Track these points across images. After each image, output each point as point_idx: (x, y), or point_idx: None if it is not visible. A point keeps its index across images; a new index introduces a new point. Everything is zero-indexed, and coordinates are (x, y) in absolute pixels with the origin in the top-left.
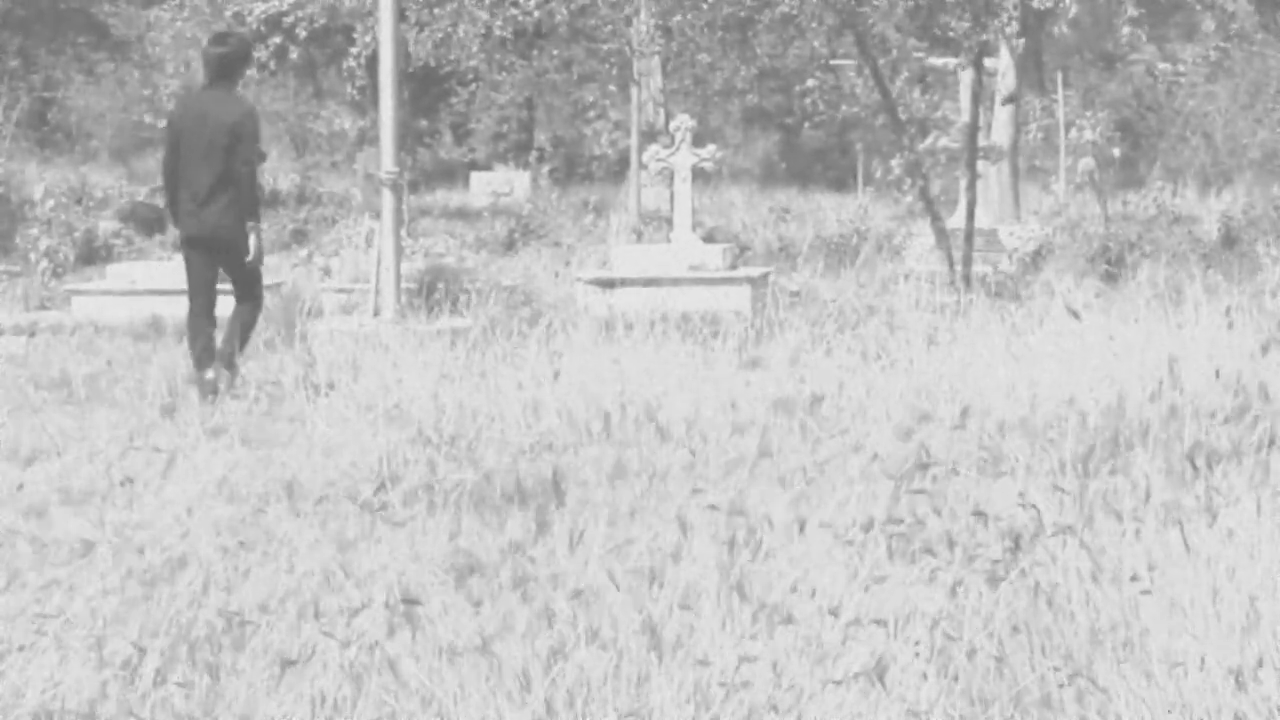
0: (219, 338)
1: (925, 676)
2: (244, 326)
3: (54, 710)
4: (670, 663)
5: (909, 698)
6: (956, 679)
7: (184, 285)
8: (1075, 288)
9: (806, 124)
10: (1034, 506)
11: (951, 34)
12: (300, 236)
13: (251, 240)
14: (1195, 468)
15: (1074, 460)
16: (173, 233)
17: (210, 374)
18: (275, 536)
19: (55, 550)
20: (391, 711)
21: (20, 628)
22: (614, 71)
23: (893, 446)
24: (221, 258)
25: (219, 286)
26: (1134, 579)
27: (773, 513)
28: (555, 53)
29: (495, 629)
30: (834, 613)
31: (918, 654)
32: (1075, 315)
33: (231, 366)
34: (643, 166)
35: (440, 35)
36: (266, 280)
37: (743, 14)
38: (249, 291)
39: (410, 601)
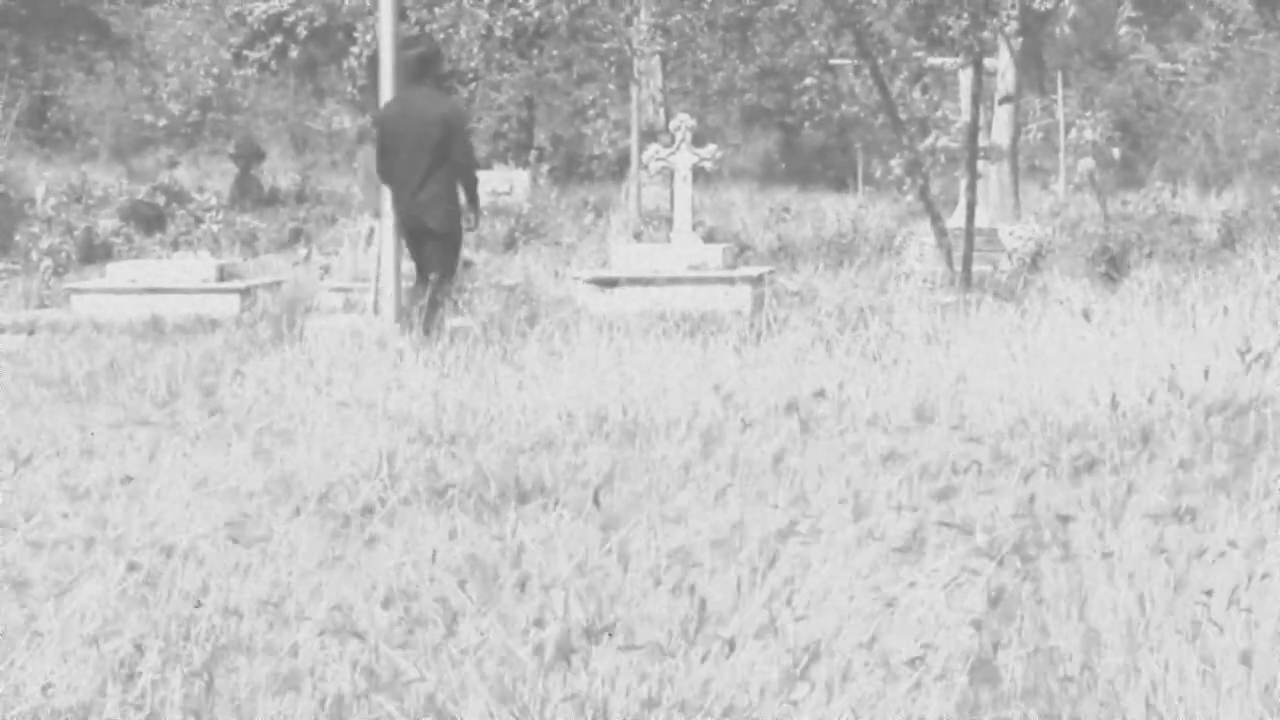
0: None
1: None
2: (435, 305)
3: (52, 709)
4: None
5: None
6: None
7: (182, 284)
8: (1074, 286)
9: (806, 123)
10: (1055, 512)
11: (950, 33)
12: (300, 235)
13: (469, 216)
14: (1187, 469)
15: (1072, 461)
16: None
17: (423, 332)
18: (275, 535)
19: (53, 548)
20: (393, 712)
21: (18, 626)
22: (613, 71)
23: (892, 447)
24: (427, 237)
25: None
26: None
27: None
28: (555, 52)
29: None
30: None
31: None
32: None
33: (427, 330)
34: (643, 166)
35: (441, 35)
36: (266, 278)
37: (742, 13)
38: (446, 271)
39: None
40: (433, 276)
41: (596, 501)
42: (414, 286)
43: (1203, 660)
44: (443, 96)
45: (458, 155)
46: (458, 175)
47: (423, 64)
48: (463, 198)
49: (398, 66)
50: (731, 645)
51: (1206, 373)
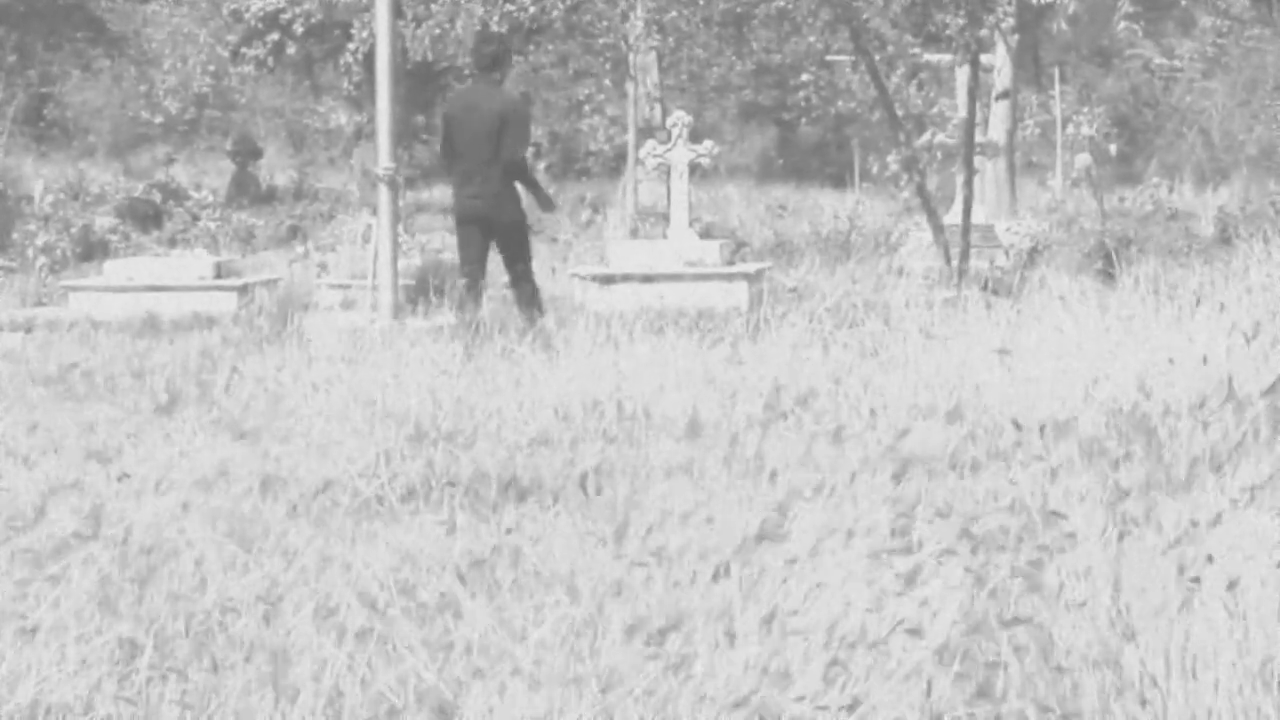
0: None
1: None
2: (532, 295)
3: (48, 704)
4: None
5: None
6: (972, 679)
7: (179, 281)
8: (1072, 282)
9: (803, 120)
10: (1057, 514)
11: (946, 30)
12: (297, 232)
13: (540, 203)
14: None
15: (1070, 456)
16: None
17: (471, 317)
18: (272, 532)
19: (51, 544)
20: (391, 708)
21: (15, 621)
22: (609, 67)
23: (889, 442)
24: (491, 231)
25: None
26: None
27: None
28: (551, 48)
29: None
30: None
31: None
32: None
33: (531, 321)
34: (639, 162)
35: (437, 31)
36: (264, 276)
37: (739, 9)
38: (519, 260)
39: None
40: (508, 273)
41: (585, 489)
42: (464, 284)
43: (1191, 651)
44: (505, 93)
45: (505, 148)
46: (504, 168)
47: (494, 60)
48: (522, 191)
49: (477, 59)
50: (731, 638)
51: (1205, 359)
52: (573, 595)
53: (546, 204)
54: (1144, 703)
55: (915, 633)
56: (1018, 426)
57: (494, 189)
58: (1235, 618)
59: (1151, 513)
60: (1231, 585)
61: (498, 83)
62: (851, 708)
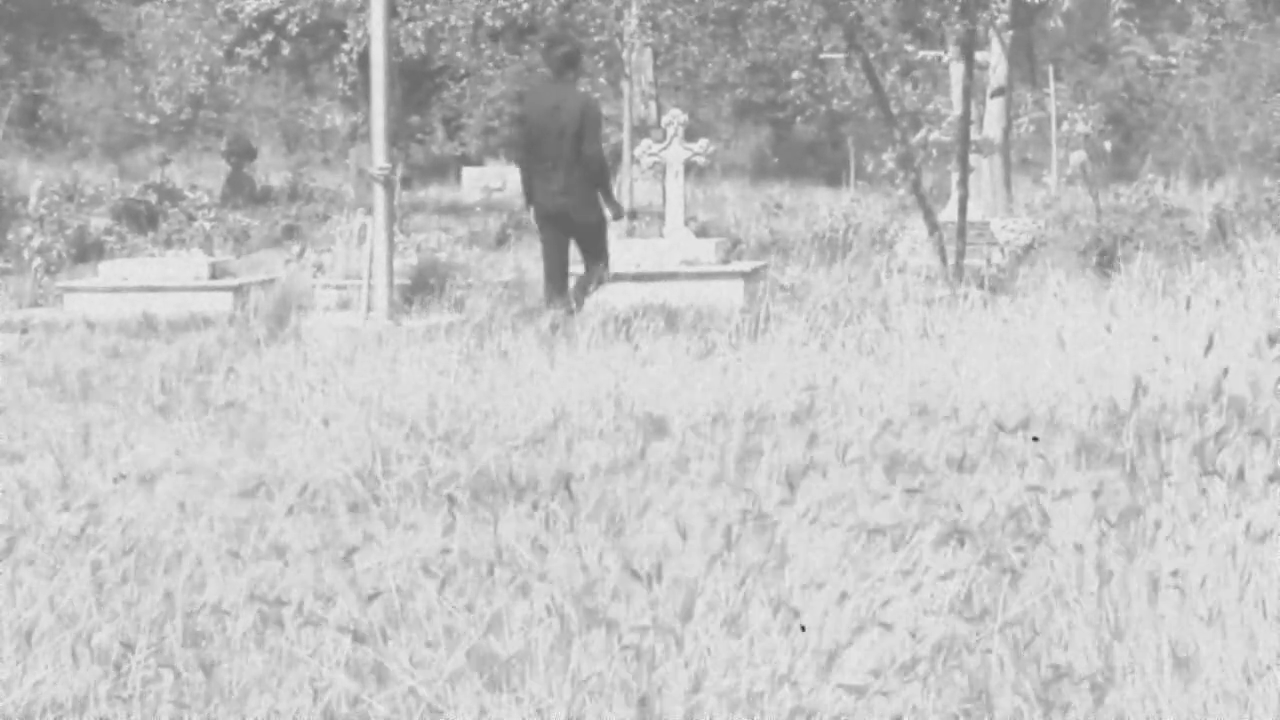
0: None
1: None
2: (597, 281)
3: (44, 704)
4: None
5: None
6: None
7: (175, 282)
8: (1067, 279)
9: (798, 118)
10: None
11: (936, 26)
12: (292, 233)
13: (608, 210)
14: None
15: (1068, 456)
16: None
17: (561, 314)
18: (269, 532)
19: (47, 546)
20: (387, 710)
21: (10, 622)
22: (604, 65)
23: (886, 441)
24: (571, 230)
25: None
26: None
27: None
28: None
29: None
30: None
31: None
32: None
33: (579, 304)
34: (634, 161)
35: (430, 24)
36: (259, 276)
37: (733, 7)
38: (597, 257)
39: None
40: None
41: (572, 490)
42: (545, 282)
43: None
44: (580, 92)
45: (585, 146)
46: (585, 166)
47: (566, 61)
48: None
49: (550, 62)
50: (729, 630)
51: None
52: (565, 596)
53: (616, 210)
54: (1133, 698)
55: (910, 629)
56: (1013, 425)
57: (575, 187)
58: (1215, 615)
59: (1143, 511)
60: (1204, 582)
61: (572, 83)
62: (846, 707)
